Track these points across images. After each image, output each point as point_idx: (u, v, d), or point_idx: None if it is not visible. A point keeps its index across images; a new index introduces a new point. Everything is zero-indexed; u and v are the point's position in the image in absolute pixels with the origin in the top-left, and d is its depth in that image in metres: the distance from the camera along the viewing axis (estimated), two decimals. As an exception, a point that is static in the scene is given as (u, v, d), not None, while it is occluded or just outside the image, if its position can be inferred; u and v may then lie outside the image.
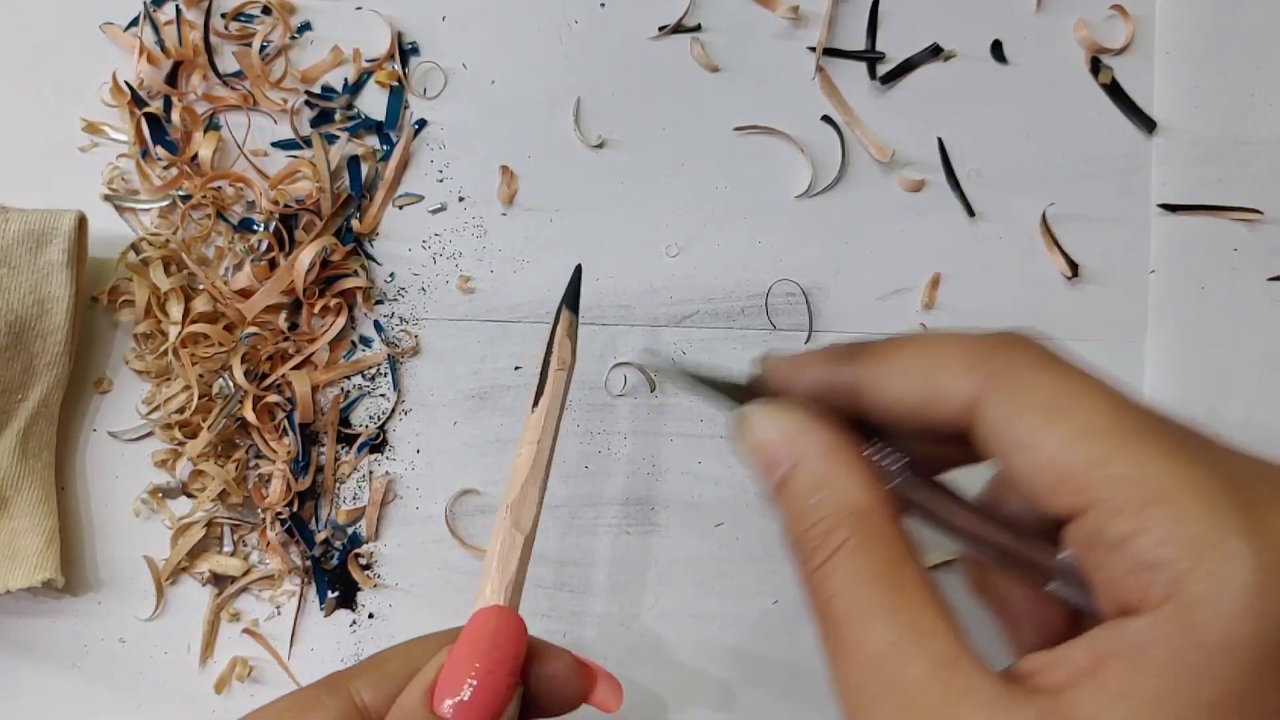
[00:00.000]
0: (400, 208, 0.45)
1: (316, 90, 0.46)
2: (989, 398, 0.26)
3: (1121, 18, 0.47)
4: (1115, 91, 0.46)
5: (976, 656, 0.25)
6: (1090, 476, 0.24)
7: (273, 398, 0.44)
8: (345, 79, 0.46)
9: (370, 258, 0.45)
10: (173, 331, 0.43)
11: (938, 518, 0.29)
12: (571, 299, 0.37)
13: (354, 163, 0.45)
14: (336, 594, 0.44)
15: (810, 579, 0.27)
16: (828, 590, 0.27)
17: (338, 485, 0.44)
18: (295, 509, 0.43)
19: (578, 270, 0.38)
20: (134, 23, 0.45)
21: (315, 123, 0.45)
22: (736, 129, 0.46)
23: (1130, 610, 0.23)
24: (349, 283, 0.44)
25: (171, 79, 0.45)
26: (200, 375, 0.43)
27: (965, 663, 0.24)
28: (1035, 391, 0.25)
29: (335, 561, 0.44)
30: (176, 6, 0.45)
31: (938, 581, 0.26)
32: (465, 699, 0.29)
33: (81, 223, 0.42)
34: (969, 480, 0.31)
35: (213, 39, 0.45)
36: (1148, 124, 0.46)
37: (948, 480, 0.30)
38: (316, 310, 0.44)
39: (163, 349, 0.43)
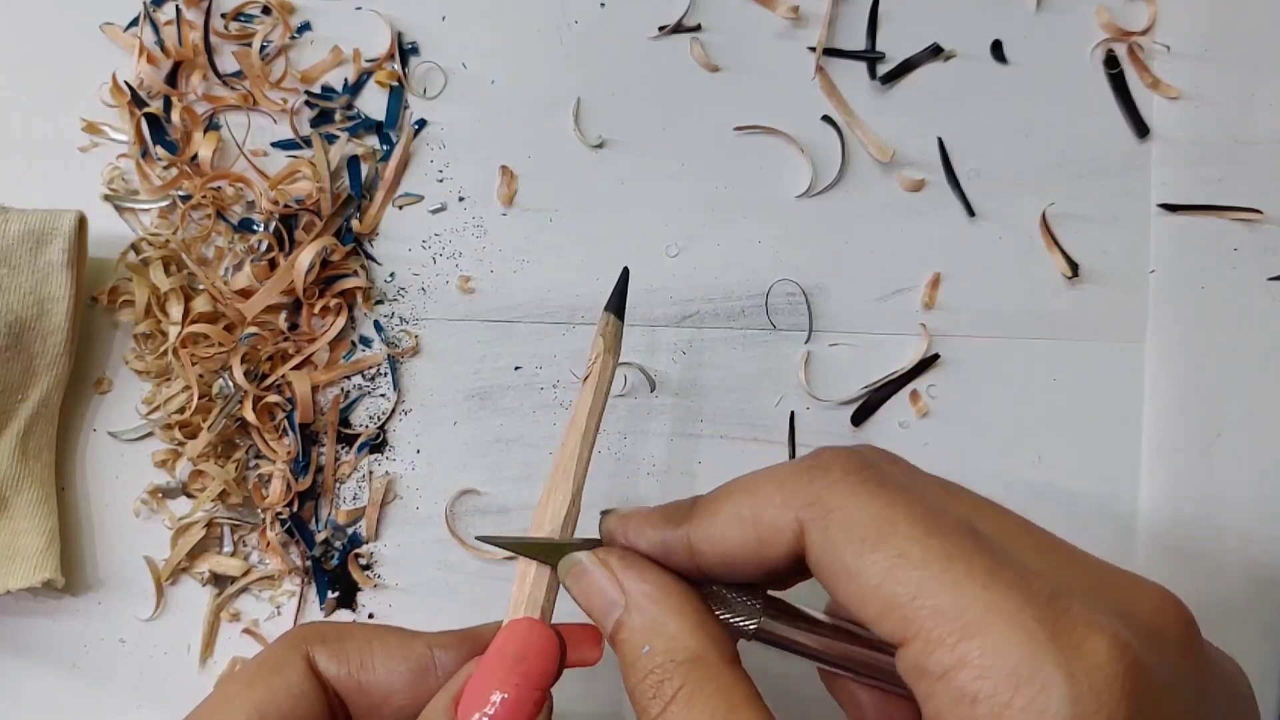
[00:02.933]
0: (400, 208, 0.45)
1: (316, 90, 0.46)
2: (811, 527, 0.26)
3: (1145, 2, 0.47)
4: (1120, 85, 0.46)
5: None
6: (911, 607, 0.24)
7: (273, 398, 0.44)
8: (345, 79, 0.46)
9: (370, 258, 0.45)
10: (173, 331, 0.43)
11: (796, 647, 0.29)
12: (616, 303, 0.36)
13: (354, 163, 0.45)
14: (336, 594, 0.44)
15: None
16: None
17: (338, 485, 0.44)
18: (295, 509, 0.44)
19: (624, 272, 0.37)
20: (134, 23, 0.45)
21: (315, 123, 0.45)
22: (736, 129, 0.46)
23: None
24: (349, 283, 0.44)
25: (171, 79, 0.45)
26: (200, 375, 0.43)
27: None
28: (852, 518, 0.25)
29: (335, 561, 0.44)
30: (176, 6, 0.45)
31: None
32: (489, 714, 0.28)
33: (81, 223, 0.42)
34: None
35: (213, 39, 0.45)
36: (1142, 127, 0.46)
37: (802, 606, 0.30)
38: (316, 310, 0.44)
39: (163, 349, 0.43)
